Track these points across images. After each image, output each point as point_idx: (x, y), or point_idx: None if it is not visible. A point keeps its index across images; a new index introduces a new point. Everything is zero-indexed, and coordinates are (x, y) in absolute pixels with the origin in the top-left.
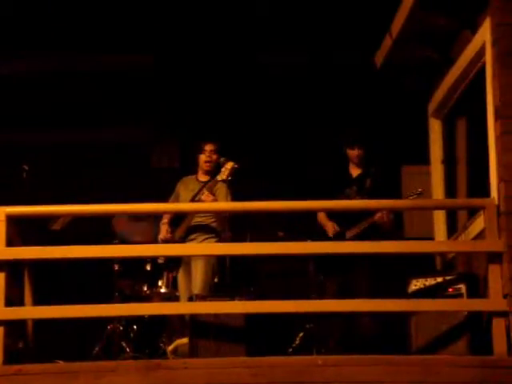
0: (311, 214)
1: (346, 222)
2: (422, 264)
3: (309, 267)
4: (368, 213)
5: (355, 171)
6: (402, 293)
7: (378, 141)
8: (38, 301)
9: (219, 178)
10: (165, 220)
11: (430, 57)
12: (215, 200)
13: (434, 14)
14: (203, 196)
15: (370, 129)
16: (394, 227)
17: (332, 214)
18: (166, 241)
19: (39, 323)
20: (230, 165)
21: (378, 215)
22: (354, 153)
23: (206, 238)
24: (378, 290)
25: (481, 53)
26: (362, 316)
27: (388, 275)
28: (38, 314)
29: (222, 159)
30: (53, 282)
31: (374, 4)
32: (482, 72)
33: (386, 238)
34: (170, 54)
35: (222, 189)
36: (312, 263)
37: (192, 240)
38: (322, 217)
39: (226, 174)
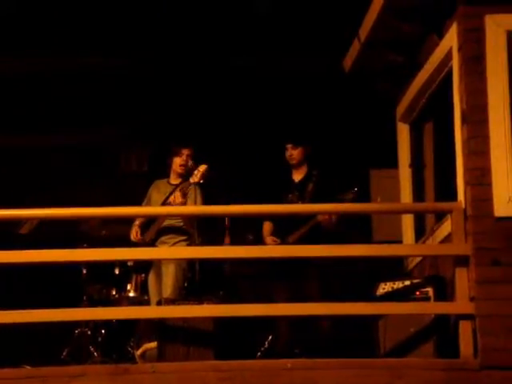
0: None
1: (290, 229)
2: (388, 267)
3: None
4: (309, 217)
5: (297, 176)
6: (369, 296)
7: (324, 141)
8: (5, 305)
9: (192, 180)
10: (136, 222)
11: (398, 61)
12: (183, 202)
13: (401, 19)
14: (172, 197)
15: (314, 128)
16: (340, 228)
17: (277, 222)
18: (137, 243)
19: (6, 328)
20: (202, 167)
21: (320, 215)
22: (286, 153)
23: (178, 242)
24: (330, 295)
25: (448, 58)
26: (322, 320)
27: (350, 279)
28: (4, 319)
29: (190, 163)
30: (20, 286)
31: (342, 9)
32: (449, 77)
33: (330, 240)
34: (143, 57)
35: (192, 191)
36: (264, 268)
37: (163, 243)
38: (265, 229)
39: (199, 176)
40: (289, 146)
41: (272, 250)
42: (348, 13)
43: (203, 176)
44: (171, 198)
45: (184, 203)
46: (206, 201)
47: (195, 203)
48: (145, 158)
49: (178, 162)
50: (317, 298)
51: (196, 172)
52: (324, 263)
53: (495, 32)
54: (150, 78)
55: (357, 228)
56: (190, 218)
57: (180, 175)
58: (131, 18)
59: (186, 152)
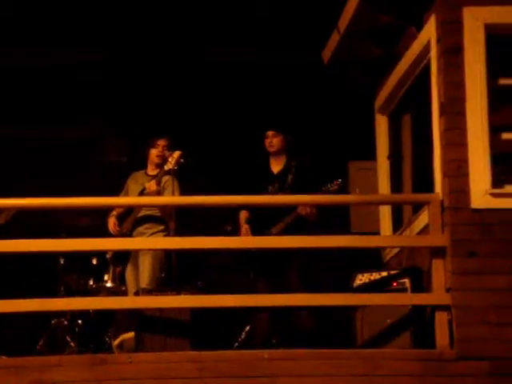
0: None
1: (271, 220)
2: (366, 259)
3: (238, 264)
4: (290, 209)
5: (276, 167)
6: (346, 287)
7: (302, 132)
8: None
9: (166, 167)
10: (113, 213)
11: (377, 53)
12: (159, 190)
13: (380, 11)
14: (147, 184)
15: (292, 119)
16: (321, 219)
17: (256, 213)
18: (114, 234)
19: None
20: (176, 154)
21: (300, 207)
22: (267, 141)
23: (155, 232)
24: (308, 285)
25: (426, 50)
26: (300, 311)
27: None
28: None
29: (166, 153)
30: None
31: (321, 0)
32: (427, 69)
33: (312, 232)
34: (120, 51)
35: (169, 181)
36: (241, 260)
37: (140, 233)
38: (242, 218)
39: (173, 162)
40: (269, 133)
41: (250, 240)
42: (327, 4)
43: (177, 162)
44: (146, 186)
45: (159, 191)
46: (183, 191)
47: (173, 194)
48: (124, 149)
49: (154, 153)
50: (296, 289)
51: (170, 159)
52: (303, 254)
53: (473, 25)
54: (128, 70)
55: (335, 219)
56: (167, 208)
57: (157, 166)
58: (112, 12)
59: (162, 143)
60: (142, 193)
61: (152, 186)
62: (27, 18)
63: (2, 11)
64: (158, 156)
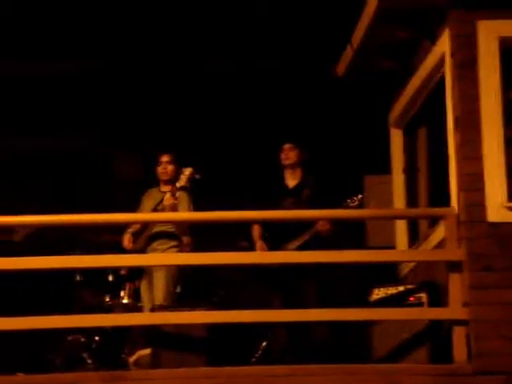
0: None
1: (286, 235)
2: (382, 273)
3: (254, 281)
4: (308, 223)
5: (291, 182)
6: (362, 302)
7: (318, 147)
8: None
9: (178, 184)
10: (129, 230)
11: (391, 67)
12: (176, 203)
13: (394, 25)
14: (165, 199)
15: (307, 134)
16: (336, 235)
17: (271, 228)
18: (129, 251)
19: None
20: (188, 171)
21: (319, 224)
22: (283, 154)
23: (168, 248)
24: (325, 301)
25: (440, 63)
26: (318, 326)
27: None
28: None
29: (170, 168)
30: (14, 293)
31: (335, 14)
32: (441, 82)
33: (328, 247)
34: (131, 64)
35: (183, 197)
36: (258, 276)
37: (154, 249)
38: (255, 233)
39: (185, 180)
40: (286, 146)
41: (265, 256)
42: (341, 18)
43: (189, 179)
44: (164, 200)
45: (176, 205)
46: (197, 207)
47: (188, 209)
48: (139, 165)
49: (159, 170)
50: (313, 305)
51: (182, 176)
52: (319, 269)
53: (487, 38)
54: (145, 86)
55: (351, 234)
56: (182, 224)
57: (166, 182)
58: (118, 22)
59: (164, 159)
60: (155, 209)
61: (168, 199)
62: (26, 26)
63: (5, 21)
64: (162, 173)
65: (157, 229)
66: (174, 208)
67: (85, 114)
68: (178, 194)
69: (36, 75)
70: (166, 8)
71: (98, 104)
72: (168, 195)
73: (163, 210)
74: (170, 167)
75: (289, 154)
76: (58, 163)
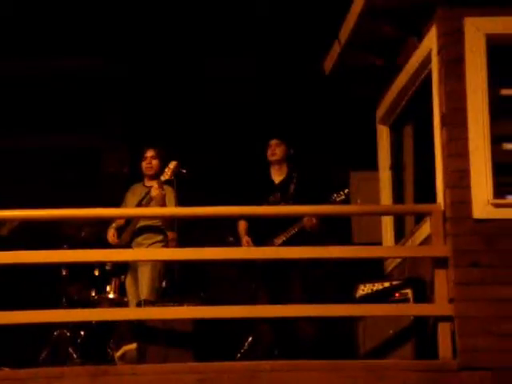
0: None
1: (272, 230)
2: (368, 269)
3: (240, 275)
4: (294, 219)
5: (277, 177)
6: (348, 298)
7: (304, 143)
8: None
9: (163, 178)
10: (113, 225)
11: (378, 63)
12: (164, 194)
13: (381, 22)
14: (152, 189)
15: (294, 130)
16: (322, 230)
17: (257, 224)
18: (113, 245)
19: None
20: (172, 164)
21: (305, 219)
22: (269, 150)
23: (153, 243)
24: (310, 296)
25: (427, 60)
26: (304, 322)
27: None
28: None
29: (154, 162)
30: None
31: (322, 11)
32: (428, 79)
33: (314, 242)
34: (120, 60)
35: (168, 191)
36: (243, 271)
37: (139, 244)
38: (241, 228)
39: (169, 173)
40: (273, 142)
41: (252, 251)
42: (328, 15)
43: (174, 173)
44: (151, 190)
45: (163, 196)
46: (182, 202)
47: (173, 205)
48: (126, 159)
49: (143, 165)
50: (298, 300)
51: (166, 169)
52: (305, 265)
53: (474, 35)
54: (131, 80)
55: (337, 230)
56: (168, 218)
57: (151, 177)
58: (109, 21)
59: (149, 154)
60: (140, 204)
61: (156, 189)
62: (26, 26)
63: (6, 19)
64: (146, 168)
65: (142, 223)
66: (161, 199)
67: (73, 110)
68: (163, 188)
69: (25, 74)
70: (163, 7)
71: (86, 99)
72: (155, 185)
73: (148, 204)
74: (155, 162)
75: (275, 150)
76: (44, 158)
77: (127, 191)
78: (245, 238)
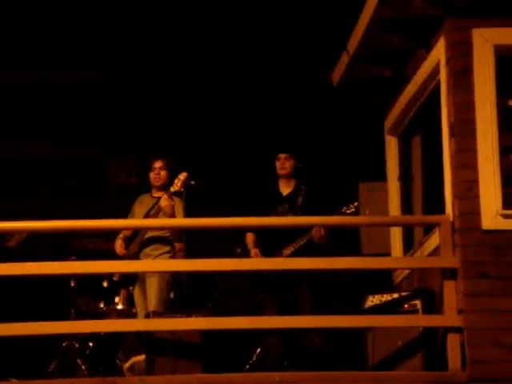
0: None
1: (280, 242)
2: (377, 280)
3: (248, 286)
4: (302, 230)
5: (285, 190)
6: (357, 309)
7: (312, 154)
8: None
9: (172, 189)
10: (120, 236)
11: (386, 75)
12: (172, 204)
13: (389, 33)
14: (161, 199)
15: (302, 141)
16: (330, 242)
17: (266, 234)
18: (120, 256)
19: None
20: (183, 175)
21: (314, 230)
22: (279, 163)
23: (160, 254)
24: (319, 307)
25: (435, 71)
26: (313, 333)
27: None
28: None
29: (163, 173)
30: (8, 299)
31: (331, 22)
32: (436, 90)
33: (322, 253)
34: (127, 69)
35: (177, 202)
36: (251, 281)
37: (147, 255)
38: (249, 240)
39: (179, 184)
40: (282, 155)
41: (260, 262)
42: (336, 26)
43: (184, 184)
44: (160, 201)
45: (172, 206)
46: (191, 213)
47: (182, 217)
48: (133, 170)
49: (151, 176)
50: (307, 311)
51: (176, 180)
52: (314, 276)
53: (483, 46)
54: (138, 91)
55: (345, 241)
56: (176, 229)
57: (159, 188)
58: (115, 30)
59: (157, 165)
60: (147, 215)
61: (165, 200)
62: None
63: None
64: (154, 178)
65: (150, 234)
66: (170, 210)
67: (79, 120)
68: (173, 199)
69: (33, 83)
70: (164, 12)
71: (92, 109)
72: (165, 196)
73: (156, 215)
74: (163, 173)
75: (284, 164)
76: (51, 168)
77: (134, 202)
78: (253, 250)
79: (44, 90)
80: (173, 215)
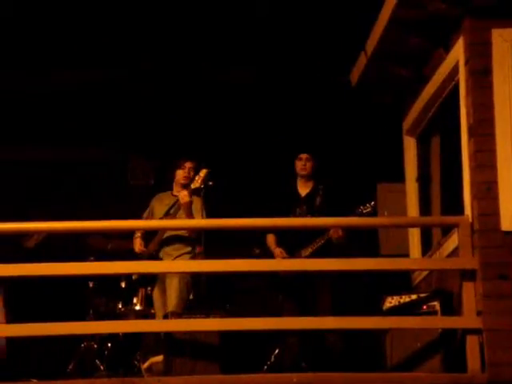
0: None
1: (299, 243)
2: (397, 281)
3: (267, 287)
4: (320, 231)
5: (304, 190)
6: (375, 310)
7: (331, 155)
8: (12, 319)
9: (193, 186)
10: (138, 234)
11: (405, 75)
12: (191, 201)
13: (408, 33)
14: (181, 196)
15: (321, 141)
16: (348, 242)
17: (285, 235)
18: (140, 254)
19: (13, 341)
20: (203, 172)
21: (332, 231)
22: (300, 163)
23: (181, 254)
24: (338, 308)
25: (454, 71)
26: (331, 334)
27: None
28: (12, 332)
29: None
30: (27, 299)
31: (349, 22)
32: (455, 90)
33: (341, 254)
34: (149, 72)
35: (196, 202)
36: (270, 283)
37: (167, 254)
38: (270, 241)
39: (200, 181)
40: (304, 156)
41: (280, 263)
42: (355, 26)
43: (204, 181)
44: (179, 196)
45: (191, 202)
46: (210, 214)
47: (201, 215)
48: (151, 171)
49: (181, 174)
50: (326, 312)
51: (197, 177)
52: (332, 277)
53: (502, 46)
54: (156, 92)
55: (364, 242)
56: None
57: (183, 187)
58: (133, 31)
59: (188, 165)
60: (168, 213)
61: (185, 196)
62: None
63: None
64: (184, 177)
65: (169, 233)
66: (189, 207)
67: (97, 122)
68: (192, 198)
69: (51, 86)
70: (177, 16)
71: (113, 112)
72: (185, 192)
73: (176, 213)
74: (192, 173)
75: (306, 165)
76: (72, 170)
77: (153, 199)
78: (277, 250)
79: (64, 95)
80: (191, 212)
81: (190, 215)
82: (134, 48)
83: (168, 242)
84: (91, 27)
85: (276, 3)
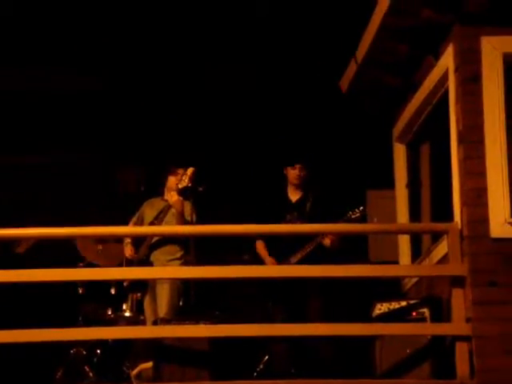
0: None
1: (289, 249)
2: (387, 288)
3: (257, 294)
4: (311, 237)
5: (294, 196)
6: (365, 317)
7: (321, 162)
8: (1, 325)
9: (180, 185)
10: (128, 240)
11: (395, 82)
12: (181, 200)
13: (398, 41)
14: (170, 195)
15: (314, 149)
16: (340, 248)
17: (275, 241)
18: (132, 260)
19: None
20: (189, 171)
21: (325, 239)
22: (294, 172)
23: (171, 260)
24: (331, 315)
25: (444, 78)
26: (320, 341)
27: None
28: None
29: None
30: (16, 305)
31: (339, 30)
32: (445, 97)
33: (330, 261)
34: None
35: (186, 206)
36: (260, 290)
37: (157, 259)
38: (260, 248)
39: (187, 180)
40: (299, 165)
41: (269, 270)
42: (345, 33)
43: (191, 179)
44: (167, 197)
45: (182, 202)
46: (199, 220)
47: (190, 221)
48: (142, 178)
49: (173, 180)
50: (316, 319)
51: (184, 177)
52: (322, 283)
53: (491, 54)
54: (146, 99)
55: (353, 248)
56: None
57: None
58: (119, 36)
59: (181, 171)
60: (157, 217)
61: (174, 195)
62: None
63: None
64: (177, 184)
65: (158, 237)
66: (180, 206)
67: (87, 129)
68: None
69: (41, 92)
70: (163, 22)
71: (101, 119)
72: (173, 192)
73: (165, 216)
74: (182, 170)
75: (301, 174)
76: (60, 176)
77: (143, 205)
78: (269, 259)
79: (53, 101)
80: (182, 212)
81: (180, 215)
82: (123, 54)
83: (157, 245)
84: (84, 35)
85: (261, 16)
